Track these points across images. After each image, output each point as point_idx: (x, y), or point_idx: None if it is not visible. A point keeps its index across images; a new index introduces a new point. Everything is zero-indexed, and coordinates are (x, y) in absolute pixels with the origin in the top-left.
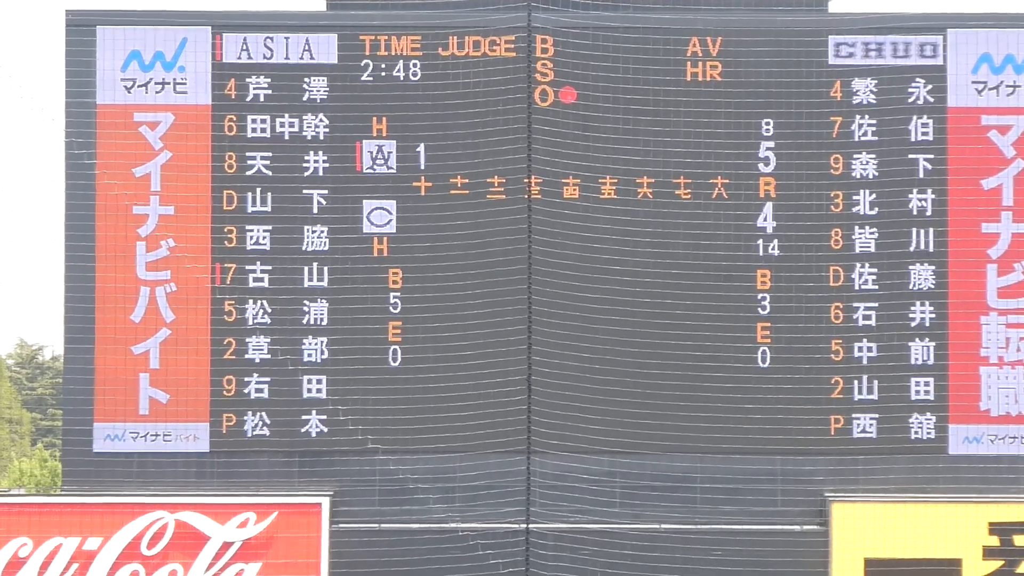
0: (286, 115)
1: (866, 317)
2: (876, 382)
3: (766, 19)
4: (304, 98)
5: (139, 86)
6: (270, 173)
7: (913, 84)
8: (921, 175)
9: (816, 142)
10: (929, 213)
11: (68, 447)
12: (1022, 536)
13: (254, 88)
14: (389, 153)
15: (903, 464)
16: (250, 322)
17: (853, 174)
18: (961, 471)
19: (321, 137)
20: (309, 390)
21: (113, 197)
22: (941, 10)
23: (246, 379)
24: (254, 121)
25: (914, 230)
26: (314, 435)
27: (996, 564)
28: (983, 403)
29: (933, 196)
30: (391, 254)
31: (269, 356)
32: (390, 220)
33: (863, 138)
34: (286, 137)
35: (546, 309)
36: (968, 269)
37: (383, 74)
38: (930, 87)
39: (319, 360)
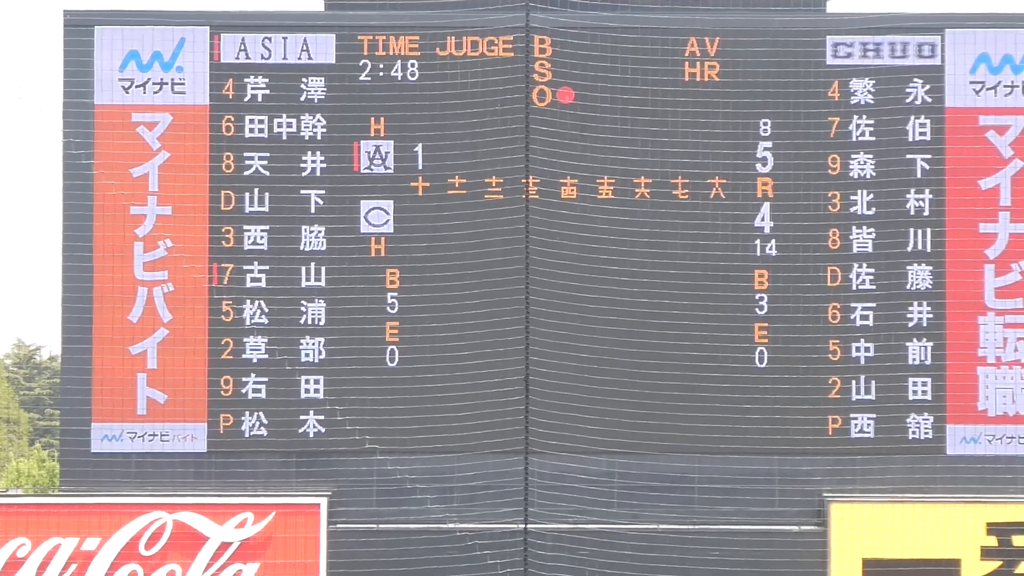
0: (284, 115)
1: (864, 317)
2: (874, 382)
3: (764, 19)
4: (302, 98)
5: (137, 86)
6: (268, 173)
7: (911, 84)
8: (919, 175)
9: (814, 142)
10: (927, 213)
11: (66, 447)
12: (1020, 536)
13: (252, 88)
14: (387, 153)
15: (901, 464)
16: (247, 322)
17: (851, 174)
18: (959, 471)
19: (319, 137)
20: (307, 390)
21: (111, 197)
22: (939, 10)
23: (243, 379)
24: (252, 121)
25: (912, 230)
26: (312, 435)
27: (994, 564)
28: (981, 403)
29: (931, 196)
30: (388, 254)
31: (267, 356)
32: (387, 220)
33: (861, 138)
34: (284, 137)
35: (544, 309)
36: (966, 269)
37: (381, 74)
38: (928, 87)
39: (317, 360)
